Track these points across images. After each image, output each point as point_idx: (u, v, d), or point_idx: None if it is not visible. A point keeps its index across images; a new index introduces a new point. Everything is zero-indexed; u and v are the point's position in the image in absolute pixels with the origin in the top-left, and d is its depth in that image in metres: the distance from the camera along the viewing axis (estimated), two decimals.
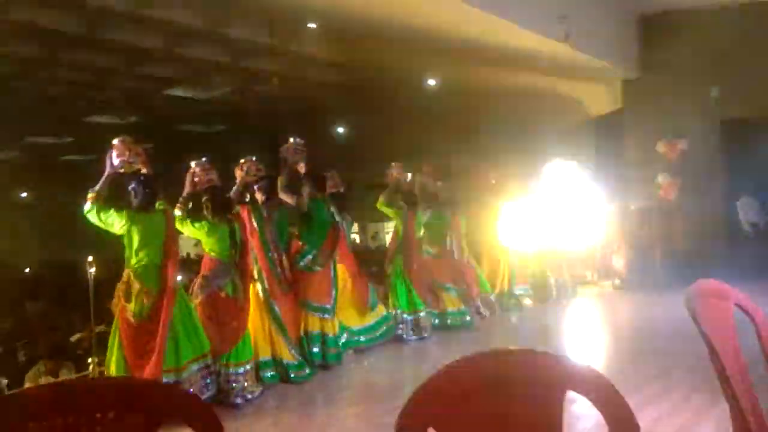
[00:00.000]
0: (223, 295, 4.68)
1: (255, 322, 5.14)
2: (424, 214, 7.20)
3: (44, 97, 13.22)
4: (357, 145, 15.07)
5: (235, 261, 4.78)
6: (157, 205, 4.48)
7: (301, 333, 5.53)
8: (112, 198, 4.28)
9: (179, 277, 4.56)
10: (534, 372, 1.32)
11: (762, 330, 1.87)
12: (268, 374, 5.05)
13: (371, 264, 9.97)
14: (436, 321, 7.07)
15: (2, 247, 17.12)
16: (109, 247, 4.62)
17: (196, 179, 4.85)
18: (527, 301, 8.68)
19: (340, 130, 14.87)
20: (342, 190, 6.31)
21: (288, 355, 5.18)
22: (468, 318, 7.28)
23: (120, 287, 4.25)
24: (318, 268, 5.65)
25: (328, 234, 5.79)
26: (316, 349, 5.57)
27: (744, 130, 10.26)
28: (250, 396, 4.67)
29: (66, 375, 5.95)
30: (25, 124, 15.10)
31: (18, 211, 19.89)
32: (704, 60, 10.50)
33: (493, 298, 8.14)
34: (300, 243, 5.72)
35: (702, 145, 10.76)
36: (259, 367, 4.99)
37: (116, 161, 4.28)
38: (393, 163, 7.04)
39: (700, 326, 1.70)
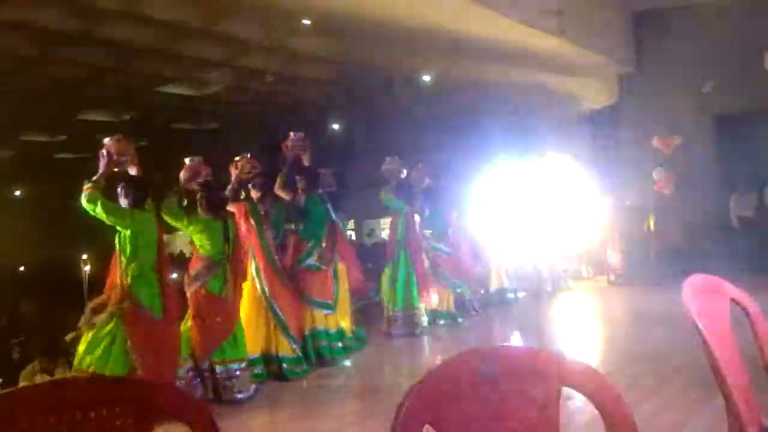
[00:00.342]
0: (204, 292, 4.65)
1: (250, 319, 5.13)
2: (423, 210, 7.23)
3: (37, 95, 13.13)
4: (352, 142, 15.05)
5: (227, 258, 4.76)
6: (146, 206, 4.43)
7: (307, 331, 5.54)
8: (106, 196, 4.22)
9: (174, 275, 4.55)
10: (530, 368, 1.31)
11: (757, 324, 1.87)
12: (256, 371, 5.05)
13: (367, 261, 9.99)
14: (430, 318, 7.08)
15: None
16: (103, 245, 4.57)
17: (189, 175, 4.83)
18: (521, 294, 8.70)
19: (336, 126, 14.83)
20: (334, 189, 6.31)
21: (287, 350, 5.18)
22: (459, 320, 7.31)
23: (114, 292, 4.16)
24: (324, 267, 5.65)
25: (326, 229, 5.80)
26: (324, 343, 5.61)
27: (738, 124, 10.31)
28: (243, 395, 4.67)
29: (61, 373, 5.93)
30: (18, 122, 15.02)
31: (12, 209, 19.80)
32: (698, 55, 10.53)
33: (489, 293, 8.17)
34: (300, 239, 5.71)
35: (696, 139, 10.80)
36: (252, 363, 4.99)
37: (106, 161, 4.22)
38: (387, 158, 7.03)
39: (694, 321, 1.70)
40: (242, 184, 5.39)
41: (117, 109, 14.87)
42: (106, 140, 4.29)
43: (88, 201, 4.06)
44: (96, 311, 4.05)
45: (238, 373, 4.65)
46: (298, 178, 5.77)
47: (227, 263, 4.74)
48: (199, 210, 4.75)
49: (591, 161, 11.38)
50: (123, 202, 4.28)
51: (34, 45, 10.09)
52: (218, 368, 4.60)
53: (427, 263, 7.05)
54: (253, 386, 4.81)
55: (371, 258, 10.53)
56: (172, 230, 4.88)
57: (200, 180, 4.83)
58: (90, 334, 4.08)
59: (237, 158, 5.40)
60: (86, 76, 12.13)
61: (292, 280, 5.50)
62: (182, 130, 17.24)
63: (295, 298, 5.49)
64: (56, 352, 6.45)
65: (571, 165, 9.69)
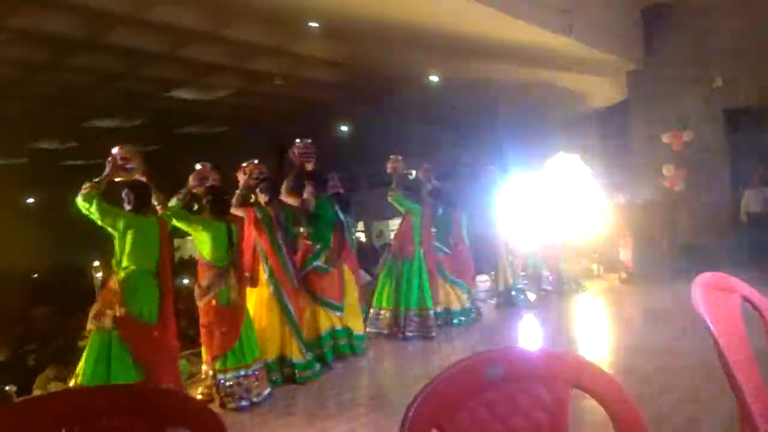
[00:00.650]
0: (214, 303, 4.67)
1: (264, 323, 5.14)
2: (437, 209, 7.24)
3: (48, 102, 13.26)
4: (360, 143, 15.07)
5: (232, 263, 4.76)
6: (148, 211, 4.44)
7: (324, 331, 5.58)
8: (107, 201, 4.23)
9: (185, 281, 4.57)
10: (538, 370, 1.31)
11: None
12: (274, 378, 5.07)
13: (377, 263, 9.96)
14: (443, 318, 7.08)
15: (9, 253, 17.20)
16: (114, 251, 4.59)
17: (197, 180, 4.86)
18: (531, 295, 8.68)
19: (343, 128, 14.87)
20: (341, 191, 6.31)
21: (298, 354, 5.18)
22: (472, 315, 7.29)
23: (106, 296, 4.15)
24: (332, 269, 5.67)
25: (334, 232, 5.81)
26: (343, 342, 5.71)
27: (749, 118, 10.23)
28: (255, 399, 4.67)
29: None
30: (30, 129, 15.17)
31: (24, 216, 19.98)
32: (708, 50, 10.46)
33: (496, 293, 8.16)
34: (309, 243, 5.72)
35: (707, 135, 10.73)
36: (268, 368, 5.00)
37: (111, 167, 4.25)
38: (391, 156, 7.01)
39: (705, 319, 1.69)
40: (250, 189, 5.40)
41: (126, 114, 14.97)
42: (114, 149, 4.31)
43: (84, 199, 4.05)
44: (97, 317, 4.05)
45: (240, 381, 4.65)
46: (305, 182, 5.78)
47: (231, 268, 4.75)
48: (204, 213, 4.77)
49: (601, 158, 11.34)
50: (126, 207, 4.30)
51: (44, 52, 10.19)
52: (219, 376, 4.62)
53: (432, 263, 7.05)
54: (267, 390, 4.81)
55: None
56: (183, 234, 4.90)
57: (207, 184, 4.86)
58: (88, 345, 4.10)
59: (244, 164, 5.42)
60: (96, 82, 12.23)
61: (301, 283, 5.51)
62: (191, 134, 17.34)
63: (306, 303, 5.51)
64: (69, 359, 6.49)
65: (581, 163, 9.64)
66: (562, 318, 7.94)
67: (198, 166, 4.94)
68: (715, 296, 1.79)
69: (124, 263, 4.14)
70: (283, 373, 5.16)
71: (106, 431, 1.21)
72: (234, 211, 5.08)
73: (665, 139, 10.94)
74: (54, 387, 5.73)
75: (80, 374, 4.01)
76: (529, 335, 7.19)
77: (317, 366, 5.35)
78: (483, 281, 9.08)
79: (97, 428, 1.21)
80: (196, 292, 4.70)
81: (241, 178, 5.37)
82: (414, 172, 7.19)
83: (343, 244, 5.88)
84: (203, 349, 4.80)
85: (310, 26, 9.34)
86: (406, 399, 1.23)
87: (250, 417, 4.48)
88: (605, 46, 10.07)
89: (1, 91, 11.83)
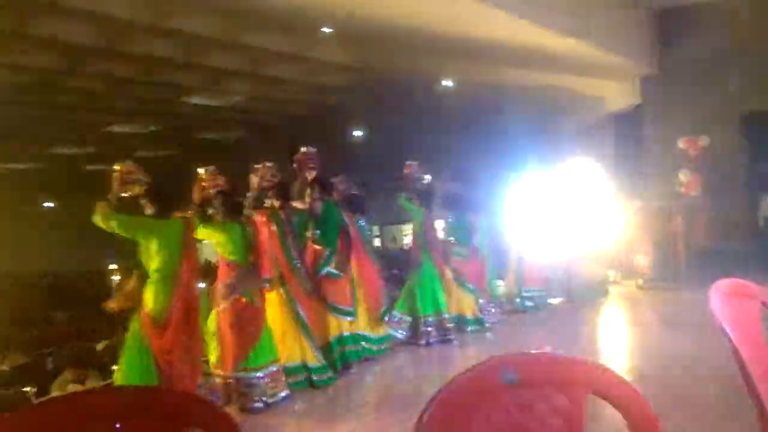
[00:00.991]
0: (245, 301, 4.71)
1: (284, 326, 5.16)
2: (447, 216, 7.23)
3: (65, 108, 13.43)
4: (374, 148, 15.08)
5: (252, 264, 4.79)
6: (172, 215, 4.50)
7: (332, 338, 5.56)
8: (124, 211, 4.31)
9: (202, 285, 4.60)
10: (554, 376, 1.30)
11: None
12: (299, 379, 5.07)
13: (391, 267, 9.97)
14: (456, 324, 7.05)
15: (28, 257, 17.42)
16: (133, 255, 4.64)
17: (204, 185, 4.90)
18: (551, 301, 8.63)
19: (358, 133, 14.89)
20: (354, 191, 6.32)
21: (312, 358, 5.19)
22: (486, 324, 7.26)
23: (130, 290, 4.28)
24: (341, 275, 5.67)
25: (341, 236, 5.81)
26: (351, 348, 5.67)
27: (765, 122, 10.10)
28: (271, 400, 4.68)
29: (92, 383, 6.02)
30: (49, 134, 15.36)
31: (42, 220, 20.23)
32: (723, 54, 10.36)
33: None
34: (319, 248, 5.73)
35: (723, 139, 10.62)
36: (286, 372, 5.00)
37: (117, 183, 4.31)
38: (407, 162, 7.04)
39: (724, 325, 1.67)
40: (263, 191, 5.43)
41: (143, 120, 15.13)
42: (116, 166, 4.38)
43: (103, 219, 4.16)
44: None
45: (257, 382, 4.66)
46: (310, 188, 5.80)
47: (254, 269, 4.79)
48: (216, 217, 4.80)
49: (616, 164, 11.25)
50: (148, 212, 4.36)
51: (62, 59, 10.33)
52: (244, 374, 4.65)
53: (449, 270, 7.03)
54: (285, 392, 4.82)
55: (396, 264, 10.51)
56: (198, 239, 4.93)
57: (216, 189, 4.89)
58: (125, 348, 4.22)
59: (257, 166, 5.45)
60: (113, 89, 12.38)
61: (315, 287, 5.52)
62: (207, 140, 17.48)
63: (318, 307, 5.51)
64: (87, 362, 6.55)
65: (596, 168, 9.58)
66: (578, 324, 7.88)
67: (201, 171, 4.96)
68: (734, 302, 1.77)
69: (154, 267, 4.23)
70: (305, 378, 5.17)
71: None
72: (248, 213, 5.10)
73: (681, 143, 10.85)
74: (72, 389, 5.79)
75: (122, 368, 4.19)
76: (544, 341, 7.14)
77: (332, 370, 5.35)
78: (500, 286, 9.04)
79: (115, 429, 1.22)
80: (220, 291, 4.72)
81: (255, 180, 5.40)
82: (428, 177, 7.18)
83: (350, 248, 5.88)
84: (214, 352, 4.80)
85: (324, 32, 9.39)
86: (421, 404, 1.23)
87: (263, 420, 4.49)
88: (620, 50, 10.01)
89: (22, 97, 12.01)
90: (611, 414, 1.32)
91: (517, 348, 6.68)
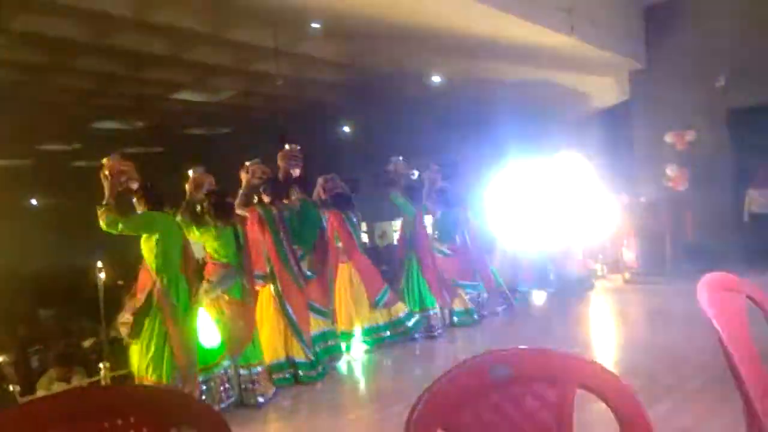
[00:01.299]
0: (228, 298, 4.70)
1: (270, 323, 5.15)
2: (435, 212, 7.22)
3: (52, 104, 13.29)
4: (363, 144, 15.06)
5: (241, 264, 4.79)
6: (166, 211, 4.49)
7: (311, 335, 5.55)
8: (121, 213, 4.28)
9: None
10: (543, 370, 1.30)
11: None
12: (283, 376, 5.07)
13: (380, 263, 9.97)
14: (447, 319, 7.07)
15: (14, 254, 17.23)
16: (119, 252, 4.63)
17: (194, 186, 4.88)
18: (539, 296, 8.67)
19: (346, 129, 14.86)
20: (341, 191, 6.31)
21: (301, 354, 5.19)
22: (476, 317, 7.27)
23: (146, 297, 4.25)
24: (314, 276, 5.65)
25: (318, 236, 5.79)
26: (333, 343, 5.70)
27: (753, 117, 10.18)
28: (261, 399, 4.69)
29: (77, 381, 5.98)
30: (34, 131, 15.20)
31: (28, 217, 20.04)
32: (711, 49, 10.42)
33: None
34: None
35: (710, 134, 10.70)
36: (272, 369, 5.00)
37: (110, 182, 4.29)
38: (392, 158, 7.02)
39: (711, 319, 1.68)
40: (253, 189, 5.41)
41: (130, 116, 15.01)
42: (104, 161, 4.34)
43: (108, 225, 4.17)
44: (137, 320, 4.14)
45: (258, 376, 4.68)
46: (292, 186, 5.79)
47: (242, 269, 4.77)
48: (208, 218, 4.78)
49: (604, 158, 11.31)
50: (139, 210, 4.34)
51: (47, 54, 10.21)
52: (242, 371, 4.65)
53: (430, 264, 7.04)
54: (272, 390, 4.83)
55: (384, 260, 10.51)
56: None
57: (205, 190, 4.88)
58: (139, 344, 4.18)
59: (247, 163, 5.43)
60: (99, 85, 12.26)
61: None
62: (195, 136, 17.36)
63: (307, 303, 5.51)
64: (72, 360, 6.50)
65: (584, 163, 9.63)
66: (566, 318, 7.93)
67: (191, 173, 4.95)
68: (720, 296, 1.78)
69: (160, 260, 4.21)
70: (291, 374, 5.17)
71: (111, 431, 1.21)
72: (238, 210, 5.09)
73: (668, 138, 10.92)
74: (57, 388, 5.75)
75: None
76: (533, 335, 7.17)
77: (320, 366, 5.34)
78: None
79: (101, 428, 1.21)
80: (204, 287, 4.72)
81: (245, 177, 5.38)
82: (416, 173, 7.19)
83: (327, 251, 5.87)
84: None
85: (313, 27, 9.35)
86: (411, 399, 1.22)
87: (253, 417, 4.49)
88: (608, 45, 10.05)
89: (6, 93, 11.87)
90: (600, 408, 1.33)
91: (504, 343, 6.72)
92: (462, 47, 9.81)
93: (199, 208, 4.80)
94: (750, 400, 1.63)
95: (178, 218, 4.65)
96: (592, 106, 13.23)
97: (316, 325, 5.59)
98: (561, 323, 7.61)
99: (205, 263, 4.96)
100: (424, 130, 14.00)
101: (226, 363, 4.62)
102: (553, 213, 8.84)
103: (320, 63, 11.85)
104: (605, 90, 12.38)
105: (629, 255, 10.25)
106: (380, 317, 6.27)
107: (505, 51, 9.99)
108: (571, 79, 11.85)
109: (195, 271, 4.60)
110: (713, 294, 1.76)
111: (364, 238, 16.85)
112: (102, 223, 4.15)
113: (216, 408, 4.00)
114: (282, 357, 5.14)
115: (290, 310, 5.21)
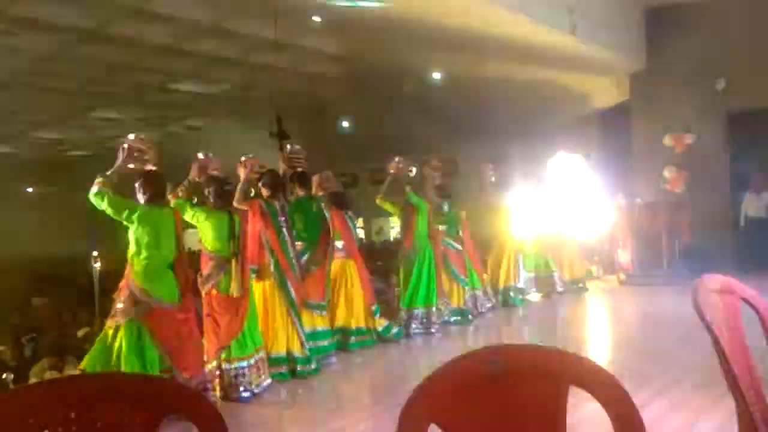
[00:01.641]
0: (215, 292, 4.68)
1: (269, 315, 5.14)
2: (442, 206, 7.26)
3: (50, 92, 13.24)
4: (362, 139, 15.05)
5: (234, 254, 4.76)
6: (163, 201, 4.46)
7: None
8: (119, 193, 4.24)
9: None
10: (537, 367, 1.31)
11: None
12: (282, 371, 5.06)
13: (376, 259, 9.99)
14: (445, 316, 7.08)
15: (8, 243, 17.22)
16: (115, 241, 4.59)
17: (199, 169, 4.87)
18: (533, 295, 8.67)
19: (346, 123, 14.83)
20: (337, 189, 6.31)
21: (299, 349, 5.19)
22: (470, 317, 7.27)
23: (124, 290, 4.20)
24: (313, 268, 5.65)
25: (319, 233, 5.79)
26: (324, 343, 5.64)
27: (751, 121, 10.20)
28: (256, 390, 4.68)
29: (70, 371, 5.97)
30: (31, 119, 15.16)
31: (23, 206, 20.00)
32: (711, 52, 10.43)
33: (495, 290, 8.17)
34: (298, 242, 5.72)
35: (709, 137, 10.72)
36: (270, 362, 4.99)
37: (127, 159, 4.26)
38: (396, 158, 7.01)
39: (705, 321, 1.68)
40: (251, 183, 5.39)
41: (129, 105, 14.96)
42: (130, 137, 4.32)
43: (96, 195, 4.07)
44: (125, 309, 4.10)
45: (244, 371, 4.65)
46: (292, 183, 5.79)
47: (234, 259, 4.74)
48: (207, 203, 4.77)
49: (602, 159, 11.32)
50: (141, 198, 4.30)
51: (47, 42, 10.16)
52: (225, 366, 4.62)
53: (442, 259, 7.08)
54: (267, 381, 4.81)
55: (380, 256, 10.53)
56: (185, 227, 4.89)
57: (209, 174, 4.87)
58: (101, 340, 4.13)
59: (243, 158, 5.40)
60: (99, 74, 12.21)
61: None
62: (194, 127, 17.33)
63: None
64: (65, 349, 6.49)
65: (581, 163, 9.63)
66: (560, 318, 7.95)
67: (200, 156, 4.95)
68: (715, 298, 1.78)
69: (143, 254, 4.16)
70: (290, 368, 5.17)
71: (103, 418, 1.21)
72: (237, 205, 5.06)
73: (667, 141, 10.94)
74: (50, 377, 5.74)
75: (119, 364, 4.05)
76: (527, 335, 7.19)
77: (315, 361, 5.34)
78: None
79: (94, 415, 1.20)
80: (198, 281, 4.72)
81: (242, 172, 5.36)
82: (414, 169, 7.17)
83: (328, 245, 5.87)
84: (203, 341, 4.79)
85: (314, 20, 9.33)
86: (405, 394, 1.22)
87: (249, 409, 4.48)
88: (608, 46, 10.05)
89: (5, 80, 11.82)
90: (593, 406, 1.33)
91: (499, 340, 6.73)
92: (463, 45, 9.80)
93: (199, 190, 4.79)
94: (744, 403, 1.63)
95: (173, 201, 4.60)
96: (591, 106, 13.24)
97: (310, 322, 5.59)
98: (555, 324, 7.63)
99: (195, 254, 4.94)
100: (422, 127, 14.01)
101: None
102: (549, 213, 8.85)
103: (321, 57, 11.83)
104: (605, 90, 12.39)
105: (625, 256, 10.27)
106: (370, 322, 6.28)
107: (506, 49, 9.99)
108: (572, 79, 11.85)
109: (188, 263, 4.56)
110: (708, 296, 1.76)
111: (361, 233, 16.93)
112: (92, 191, 4.08)
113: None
114: (283, 351, 5.13)
115: (296, 302, 5.23)
